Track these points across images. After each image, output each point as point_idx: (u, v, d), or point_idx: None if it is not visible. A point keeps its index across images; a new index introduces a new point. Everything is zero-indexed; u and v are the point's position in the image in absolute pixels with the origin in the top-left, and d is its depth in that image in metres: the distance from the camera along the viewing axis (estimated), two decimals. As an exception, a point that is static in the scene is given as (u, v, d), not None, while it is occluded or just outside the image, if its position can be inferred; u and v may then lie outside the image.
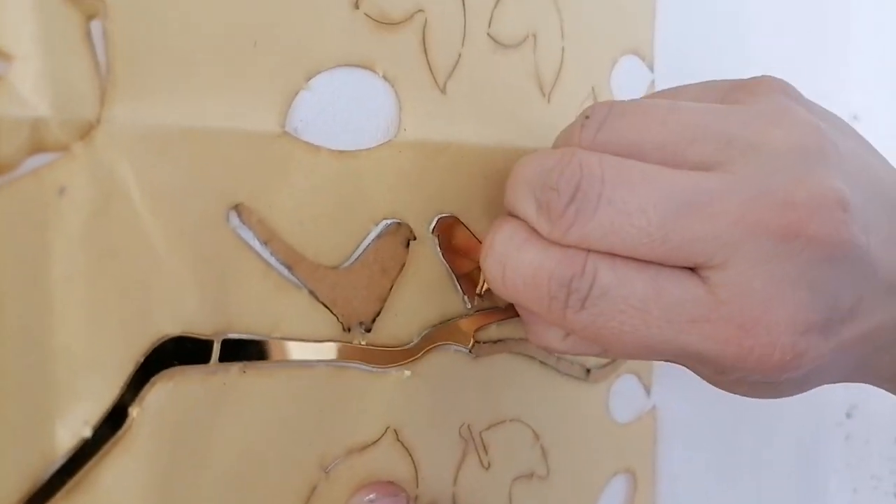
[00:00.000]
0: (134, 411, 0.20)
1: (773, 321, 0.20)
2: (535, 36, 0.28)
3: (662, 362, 0.35)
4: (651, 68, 0.34)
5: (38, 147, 0.18)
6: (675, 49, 0.30)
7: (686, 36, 0.28)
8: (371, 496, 0.24)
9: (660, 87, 0.34)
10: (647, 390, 0.35)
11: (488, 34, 0.27)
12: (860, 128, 0.25)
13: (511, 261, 0.22)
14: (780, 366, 0.21)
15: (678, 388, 0.36)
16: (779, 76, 0.24)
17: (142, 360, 0.20)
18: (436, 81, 0.26)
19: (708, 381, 0.23)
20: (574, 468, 0.31)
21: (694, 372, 0.23)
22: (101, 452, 0.20)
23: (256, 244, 0.22)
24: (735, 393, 0.24)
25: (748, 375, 0.21)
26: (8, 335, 0.18)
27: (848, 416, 0.45)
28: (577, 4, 0.30)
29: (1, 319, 0.18)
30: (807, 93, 0.24)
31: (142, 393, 0.20)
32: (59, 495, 0.19)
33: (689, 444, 0.37)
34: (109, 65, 0.19)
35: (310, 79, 0.23)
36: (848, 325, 0.22)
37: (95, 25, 0.19)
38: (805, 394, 0.24)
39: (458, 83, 0.26)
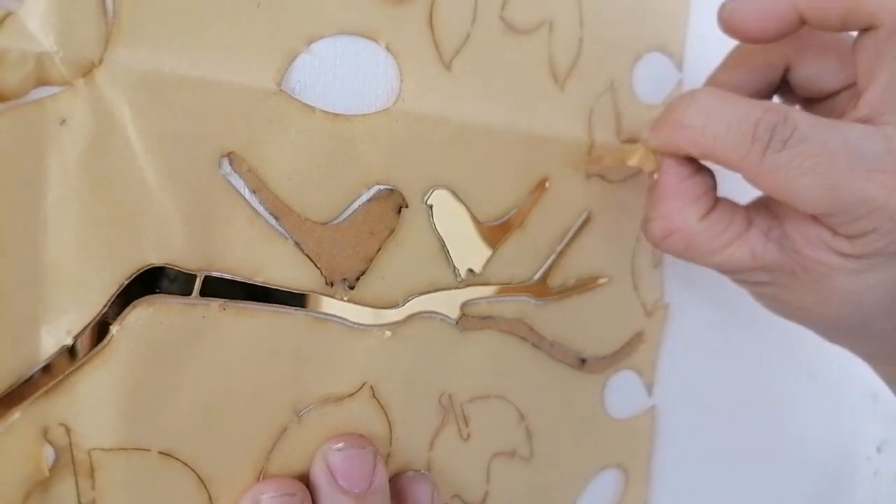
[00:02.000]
0: (114, 329, 0.22)
1: None
2: (551, 23, 0.29)
3: (669, 362, 0.35)
4: (679, 68, 0.34)
5: (42, 80, 0.20)
6: (707, 50, 0.30)
7: (722, 39, 0.28)
8: (339, 445, 0.25)
9: (687, 87, 0.34)
10: (649, 389, 0.35)
11: (501, 17, 0.28)
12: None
13: (717, 109, 0.26)
14: None
15: (682, 390, 0.36)
16: None
17: (125, 282, 0.22)
18: (441, 58, 0.27)
19: (832, 251, 0.26)
20: (560, 455, 0.32)
21: (826, 239, 0.26)
22: (80, 361, 0.22)
23: (245, 192, 0.24)
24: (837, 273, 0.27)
25: None
26: (3, 247, 0.20)
27: (878, 450, 0.43)
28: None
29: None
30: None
31: (123, 313, 0.22)
32: (39, 393, 0.21)
33: (688, 448, 0.36)
34: (116, 10, 0.21)
35: (311, 43, 0.24)
36: None
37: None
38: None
39: (464, 62, 0.27)
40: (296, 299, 0.25)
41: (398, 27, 0.26)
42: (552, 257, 0.31)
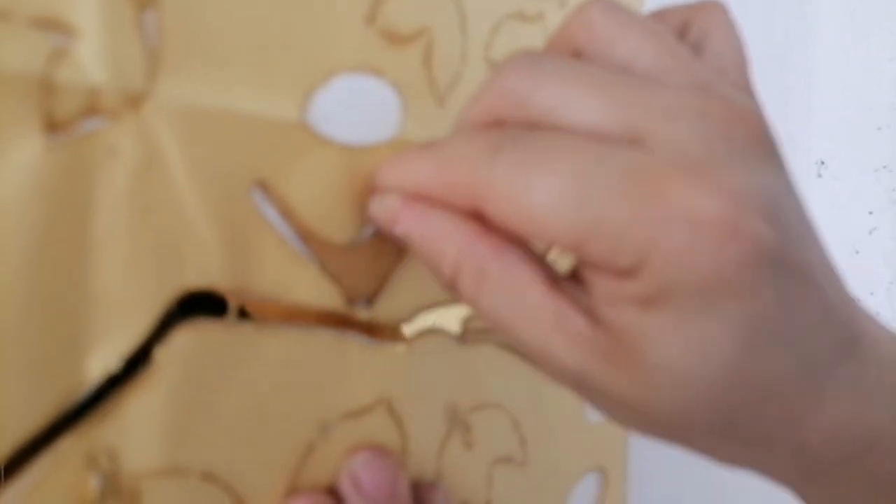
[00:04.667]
0: (159, 353, 0.23)
1: None
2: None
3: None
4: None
5: (93, 111, 0.21)
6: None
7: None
8: (364, 457, 0.27)
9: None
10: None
11: (485, 58, 0.30)
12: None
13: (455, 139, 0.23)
14: None
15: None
16: None
17: (169, 307, 0.23)
18: (435, 95, 0.29)
19: (625, 301, 0.21)
20: (548, 460, 0.34)
21: (615, 288, 0.21)
22: (126, 387, 0.22)
23: (274, 218, 0.25)
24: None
25: None
26: (53, 274, 0.21)
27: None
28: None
29: (49, 260, 0.21)
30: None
31: (167, 338, 0.23)
32: (87, 421, 0.21)
33: (661, 447, 0.39)
34: (161, 46, 0.22)
35: (327, 79, 0.26)
36: None
37: (149, 14, 0.22)
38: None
39: (457, 99, 0.29)
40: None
41: (400, 65, 0.28)
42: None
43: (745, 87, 0.24)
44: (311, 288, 0.26)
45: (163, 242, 0.22)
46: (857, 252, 0.45)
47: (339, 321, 0.27)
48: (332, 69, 0.26)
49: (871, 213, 0.45)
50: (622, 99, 0.21)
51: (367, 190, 0.27)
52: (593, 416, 0.36)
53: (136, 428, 0.22)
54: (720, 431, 0.22)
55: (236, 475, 0.24)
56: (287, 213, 0.25)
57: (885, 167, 0.44)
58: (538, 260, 0.23)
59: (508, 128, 0.22)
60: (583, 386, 0.22)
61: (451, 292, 0.24)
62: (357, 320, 0.27)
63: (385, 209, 0.25)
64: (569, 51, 0.24)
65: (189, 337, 0.23)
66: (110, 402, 0.22)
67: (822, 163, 0.46)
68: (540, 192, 0.20)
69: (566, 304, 0.22)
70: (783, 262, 0.20)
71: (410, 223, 0.24)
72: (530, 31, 0.32)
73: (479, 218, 0.22)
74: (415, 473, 0.29)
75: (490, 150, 0.22)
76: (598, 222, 0.20)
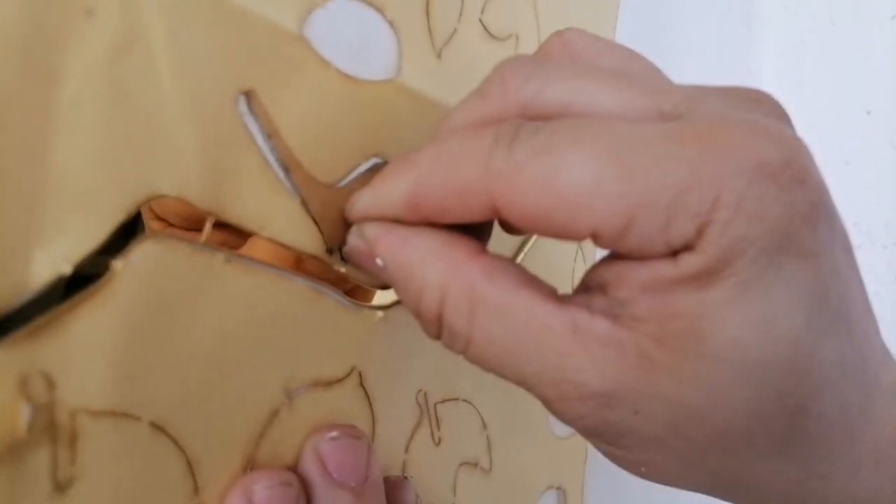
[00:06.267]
0: (117, 264, 0.18)
1: None
2: (517, 37, 0.30)
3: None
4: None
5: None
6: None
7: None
8: (334, 433, 0.23)
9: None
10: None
11: (480, 20, 0.29)
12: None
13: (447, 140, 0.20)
14: None
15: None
16: None
17: (134, 211, 0.19)
18: (433, 46, 0.27)
19: (677, 284, 0.18)
20: (512, 471, 0.30)
21: (661, 271, 0.18)
22: (75, 300, 0.18)
23: (259, 138, 0.21)
24: None
25: None
26: (9, 146, 0.17)
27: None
28: (553, 14, 0.32)
29: (4, 124, 0.17)
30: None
31: (129, 247, 0.19)
32: (24, 329, 0.17)
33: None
34: None
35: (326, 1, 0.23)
36: None
37: None
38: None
39: (451, 54, 0.27)
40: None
41: (401, 5, 0.25)
42: (525, 248, 0.31)
43: None
44: (290, 226, 0.22)
45: (137, 135, 0.19)
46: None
47: (316, 271, 0.24)
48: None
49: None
50: (643, 87, 0.19)
51: (360, 130, 0.24)
52: (559, 428, 0.33)
53: (80, 353, 0.18)
54: (781, 442, 0.18)
55: (191, 434, 0.20)
56: (273, 133, 0.22)
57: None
58: (534, 277, 0.20)
59: (519, 121, 0.20)
60: (611, 411, 0.18)
61: (437, 333, 0.20)
62: (334, 274, 0.23)
63: (366, 240, 0.21)
64: None
65: (153, 252, 0.19)
66: (54, 316, 0.17)
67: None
68: (576, 170, 0.17)
69: (583, 311, 0.19)
70: (835, 222, 0.18)
71: (388, 252, 0.21)
72: (521, 2, 0.31)
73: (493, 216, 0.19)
74: (381, 463, 0.25)
75: (505, 141, 0.19)
76: (649, 192, 0.17)
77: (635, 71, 0.21)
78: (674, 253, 0.17)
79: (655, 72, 0.21)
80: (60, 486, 0.18)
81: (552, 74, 0.20)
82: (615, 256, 0.19)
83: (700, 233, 0.17)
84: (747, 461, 0.19)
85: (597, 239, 0.18)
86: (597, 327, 0.18)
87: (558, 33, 0.22)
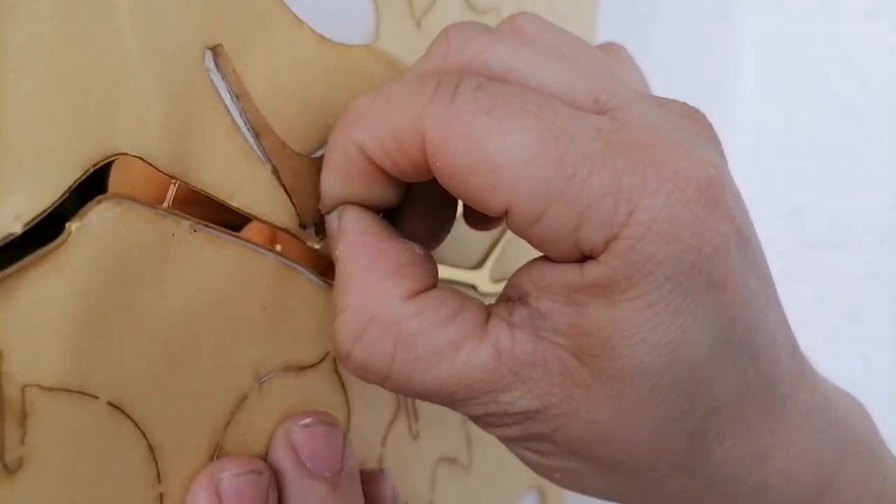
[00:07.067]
0: (73, 226, 0.17)
1: None
2: (498, 11, 0.29)
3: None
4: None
5: None
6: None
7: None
8: (307, 420, 0.21)
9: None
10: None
11: (458, -10, 0.28)
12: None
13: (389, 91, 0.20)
14: None
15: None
16: None
17: (91, 168, 0.17)
18: (412, 13, 0.26)
19: (588, 289, 0.18)
20: (492, 469, 0.29)
21: (574, 276, 0.18)
22: (26, 261, 0.16)
23: (227, 97, 0.20)
24: None
25: None
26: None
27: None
28: None
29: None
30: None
31: (84, 208, 0.17)
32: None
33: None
34: None
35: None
36: None
37: None
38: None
39: (431, 24, 0.26)
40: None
41: (378, -31, 0.24)
42: (496, 250, 0.29)
43: None
44: (261, 195, 0.21)
45: (95, 86, 0.17)
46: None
47: (288, 246, 0.22)
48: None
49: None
50: (583, 70, 0.20)
51: (334, 96, 0.23)
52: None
53: (31, 322, 0.16)
54: (688, 463, 0.19)
55: (153, 416, 0.18)
56: (242, 94, 0.20)
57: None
58: (464, 303, 0.19)
59: (465, 73, 0.19)
60: (534, 424, 0.19)
61: (343, 360, 0.20)
62: (308, 250, 0.22)
63: (339, 228, 0.21)
64: None
65: (114, 213, 0.17)
66: (0, 278, 0.16)
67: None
68: (512, 140, 0.17)
69: (504, 329, 0.19)
70: (749, 250, 0.19)
71: (346, 254, 0.20)
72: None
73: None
74: (356, 455, 0.23)
75: (447, 87, 0.18)
76: (573, 184, 0.17)
77: (580, 57, 0.21)
78: (582, 259, 0.18)
79: (603, 63, 0.21)
80: (8, 468, 0.16)
81: (497, 39, 0.20)
82: (533, 262, 0.19)
83: (606, 244, 0.17)
84: (655, 478, 0.19)
85: (508, 217, 0.18)
86: (519, 348, 0.18)
87: (510, 18, 0.22)
